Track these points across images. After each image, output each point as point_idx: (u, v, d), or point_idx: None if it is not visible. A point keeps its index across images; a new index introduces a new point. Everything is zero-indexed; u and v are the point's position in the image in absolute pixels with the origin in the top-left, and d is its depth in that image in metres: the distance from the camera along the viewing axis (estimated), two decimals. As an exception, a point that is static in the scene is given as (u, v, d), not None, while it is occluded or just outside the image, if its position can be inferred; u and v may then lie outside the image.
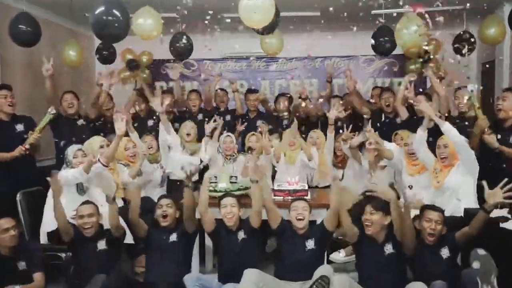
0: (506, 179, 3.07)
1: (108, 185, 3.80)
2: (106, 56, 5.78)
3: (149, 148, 4.64)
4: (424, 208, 3.34)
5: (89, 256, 3.43)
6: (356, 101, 5.17)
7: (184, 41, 5.18)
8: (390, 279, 3.26)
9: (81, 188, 3.89)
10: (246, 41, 6.46)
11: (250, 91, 5.78)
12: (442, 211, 3.30)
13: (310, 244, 3.48)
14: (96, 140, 4.16)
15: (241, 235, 3.59)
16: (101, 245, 3.47)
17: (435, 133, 3.96)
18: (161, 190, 4.68)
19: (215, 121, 4.81)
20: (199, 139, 4.90)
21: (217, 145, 4.79)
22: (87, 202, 3.54)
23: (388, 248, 3.31)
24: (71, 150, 3.99)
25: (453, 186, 3.68)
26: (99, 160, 3.78)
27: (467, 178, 3.68)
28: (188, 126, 4.89)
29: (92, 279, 3.22)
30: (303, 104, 5.25)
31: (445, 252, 3.24)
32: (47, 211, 3.79)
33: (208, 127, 4.76)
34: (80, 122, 4.78)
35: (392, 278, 3.27)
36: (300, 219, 3.47)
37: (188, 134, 4.84)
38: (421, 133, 3.87)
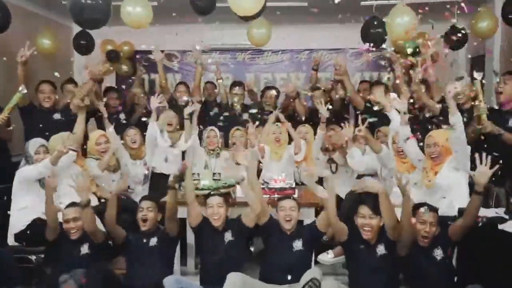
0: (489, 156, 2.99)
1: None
2: (84, 45, 5.51)
3: (133, 143, 4.42)
4: (417, 207, 3.17)
5: (72, 259, 3.27)
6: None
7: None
8: (382, 281, 3.11)
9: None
10: (232, 33, 6.30)
11: (235, 84, 5.51)
12: (436, 211, 3.15)
13: (298, 245, 3.33)
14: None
15: (227, 236, 3.39)
16: (84, 249, 3.32)
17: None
18: (144, 186, 4.49)
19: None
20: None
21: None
22: (71, 204, 3.36)
23: (381, 249, 3.15)
24: (33, 144, 3.74)
25: (445, 184, 3.52)
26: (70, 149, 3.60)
27: (459, 174, 3.54)
28: (170, 115, 4.66)
29: (71, 272, 3.09)
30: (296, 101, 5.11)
31: (438, 253, 3.10)
32: (14, 211, 3.57)
33: (186, 110, 4.51)
34: (57, 116, 4.48)
35: (385, 280, 3.11)
36: (288, 220, 3.30)
37: (169, 124, 4.62)
38: (401, 129, 3.73)
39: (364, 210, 3.14)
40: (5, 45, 5.06)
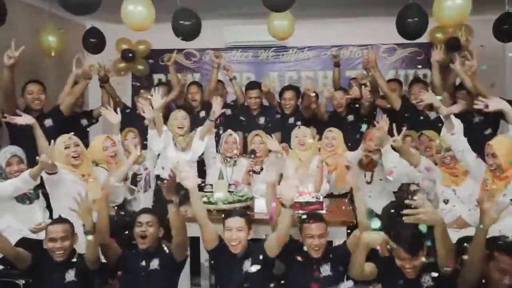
0: None
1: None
2: (93, 43, 5.13)
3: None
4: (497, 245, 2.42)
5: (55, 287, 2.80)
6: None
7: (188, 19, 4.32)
8: None
9: (25, 197, 3.26)
10: (254, 29, 5.84)
11: (250, 85, 5.04)
12: None
13: (326, 269, 2.88)
14: (59, 141, 3.43)
15: (247, 266, 2.87)
16: (70, 275, 2.81)
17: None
18: (146, 194, 4.05)
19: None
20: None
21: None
22: (59, 220, 2.89)
23: (426, 280, 2.59)
24: (2, 155, 3.30)
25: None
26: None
27: None
28: (180, 117, 4.19)
29: None
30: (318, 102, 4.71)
31: None
32: None
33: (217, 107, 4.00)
34: (48, 122, 4.06)
35: None
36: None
37: (180, 127, 4.15)
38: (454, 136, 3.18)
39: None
40: (7, 42, 4.75)
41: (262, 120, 4.81)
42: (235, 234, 2.84)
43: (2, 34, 4.19)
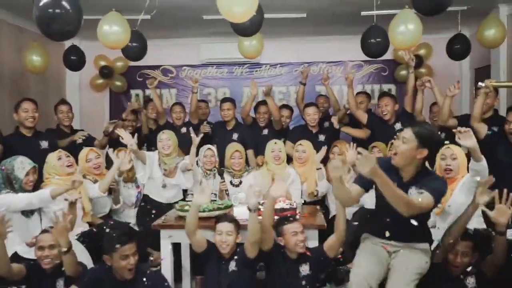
0: (496, 190, 2.76)
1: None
2: (74, 61, 5.32)
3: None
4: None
5: None
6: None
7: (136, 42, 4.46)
8: None
9: (28, 210, 3.39)
10: (229, 46, 6.11)
11: (223, 100, 5.29)
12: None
13: (305, 269, 3.11)
14: (51, 156, 3.65)
15: (232, 266, 3.14)
16: (60, 284, 2.93)
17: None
18: (135, 211, 4.27)
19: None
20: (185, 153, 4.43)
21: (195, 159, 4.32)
22: (48, 230, 2.99)
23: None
24: (21, 165, 3.40)
25: (458, 209, 3.18)
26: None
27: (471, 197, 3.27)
28: (164, 139, 4.28)
29: None
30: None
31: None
32: None
33: (195, 138, 4.22)
34: (44, 144, 4.21)
35: None
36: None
37: (165, 148, 4.24)
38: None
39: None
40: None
41: (235, 136, 5.02)
42: (225, 237, 3.10)
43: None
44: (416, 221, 2.68)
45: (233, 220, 3.20)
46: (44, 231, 3.03)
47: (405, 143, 2.59)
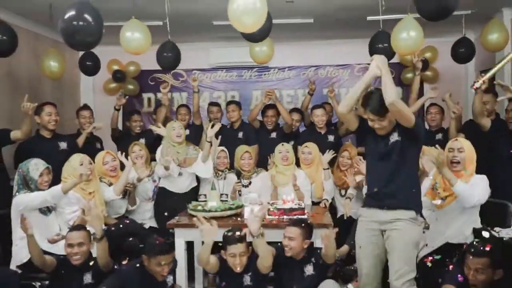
0: None
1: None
2: (90, 66, 5.50)
3: (137, 159, 4.31)
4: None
5: None
6: None
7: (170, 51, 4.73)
8: None
9: (45, 209, 3.56)
10: (238, 51, 6.28)
11: (229, 102, 5.51)
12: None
13: (309, 269, 3.23)
14: (75, 158, 3.81)
15: (247, 280, 3.17)
16: (88, 278, 3.13)
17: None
18: (151, 205, 4.41)
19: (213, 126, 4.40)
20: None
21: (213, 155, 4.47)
22: (77, 227, 3.19)
23: None
24: (35, 166, 3.56)
25: (458, 209, 3.29)
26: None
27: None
28: (177, 127, 4.41)
29: None
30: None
31: None
32: (16, 241, 3.43)
33: (209, 132, 4.33)
34: (63, 145, 4.36)
35: None
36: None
37: (178, 136, 4.37)
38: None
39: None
40: (11, 67, 5.08)
41: (240, 134, 5.19)
42: (239, 259, 3.07)
43: (6, 58, 4.55)
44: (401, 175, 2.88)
45: (242, 239, 3.11)
46: (73, 229, 3.20)
47: None
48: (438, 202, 3.34)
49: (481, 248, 2.75)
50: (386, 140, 2.92)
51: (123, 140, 5.04)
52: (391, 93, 2.74)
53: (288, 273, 3.24)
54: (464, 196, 3.15)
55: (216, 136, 4.43)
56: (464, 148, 3.36)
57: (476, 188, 3.21)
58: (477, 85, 3.83)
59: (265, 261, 3.09)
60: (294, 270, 3.22)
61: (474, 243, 2.82)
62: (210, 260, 3.12)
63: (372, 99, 2.87)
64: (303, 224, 3.25)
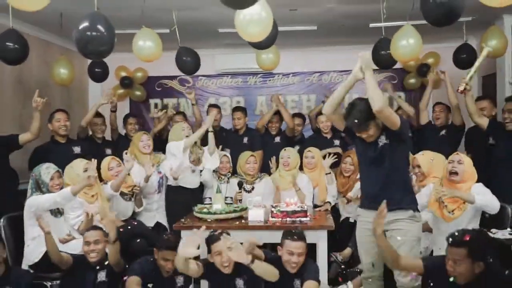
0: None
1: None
2: (98, 73, 5.62)
3: (145, 148, 4.44)
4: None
5: (88, 286, 3.24)
6: None
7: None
8: None
9: (56, 211, 3.68)
10: (243, 57, 6.40)
11: (235, 109, 5.63)
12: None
13: (297, 284, 3.07)
14: (78, 164, 3.92)
15: (240, 284, 3.06)
16: (101, 276, 3.26)
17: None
18: (158, 196, 4.50)
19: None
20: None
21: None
22: (94, 227, 3.36)
23: None
24: (46, 170, 3.67)
25: (466, 219, 3.39)
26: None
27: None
28: (187, 127, 4.59)
29: None
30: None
31: None
32: (28, 241, 3.54)
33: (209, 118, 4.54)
34: (76, 149, 4.51)
35: None
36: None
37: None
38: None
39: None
40: (21, 74, 5.22)
41: (245, 139, 5.30)
42: (226, 258, 2.92)
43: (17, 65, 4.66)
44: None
45: (228, 235, 3.04)
46: (90, 228, 3.36)
47: None
48: (446, 214, 3.40)
49: (460, 238, 2.57)
50: (374, 144, 2.98)
51: (118, 144, 5.19)
52: (377, 99, 2.73)
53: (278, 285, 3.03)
54: (488, 205, 3.28)
55: (220, 142, 4.51)
56: (463, 161, 3.46)
57: (487, 194, 3.34)
58: (461, 88, 3.99)
59: (271, 278, 2.96)
60: (284, 283, 3.05)
61: (455, 233, 2.64)
62: (191, 264, 2.92)
63: (353, 115, 2.88)
64: (304, 237, 3.08)
